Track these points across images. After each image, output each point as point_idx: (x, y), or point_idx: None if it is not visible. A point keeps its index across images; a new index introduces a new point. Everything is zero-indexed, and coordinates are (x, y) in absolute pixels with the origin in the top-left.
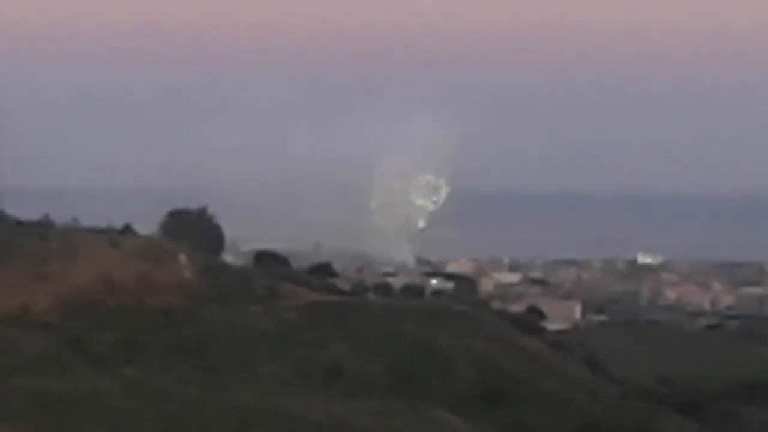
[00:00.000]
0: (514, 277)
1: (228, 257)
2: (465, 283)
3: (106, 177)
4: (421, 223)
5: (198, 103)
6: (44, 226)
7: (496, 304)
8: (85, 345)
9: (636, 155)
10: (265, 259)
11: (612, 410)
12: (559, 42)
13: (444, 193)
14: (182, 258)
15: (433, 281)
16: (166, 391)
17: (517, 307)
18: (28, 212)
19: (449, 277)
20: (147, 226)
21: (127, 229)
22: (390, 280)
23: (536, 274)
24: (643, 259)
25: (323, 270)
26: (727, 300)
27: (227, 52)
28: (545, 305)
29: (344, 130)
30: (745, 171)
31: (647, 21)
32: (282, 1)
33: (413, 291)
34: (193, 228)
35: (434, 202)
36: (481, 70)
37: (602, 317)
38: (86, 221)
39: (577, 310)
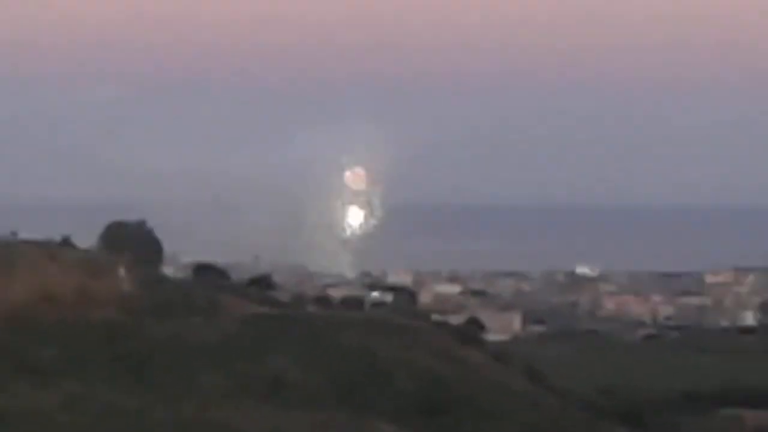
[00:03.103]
0: (453, 289)
1: (168, 270)
2: (405, 294)
3: (43, 190)
4: (356, 232)
5: (134, 118)
6: None
7: (435, 316)
8: (25, 359)
9: (573, 167)
10: (204, 271)
11: (553, 421)
12: (496, 59)
13: (383, 204)
14: (122, 270)
15: (374, 293)
16: (108, 404)
17: (456, 319)
18: None
19: (389, 288)
20: (85, 239)
21: (66, 242)
22: (330, 291)
23: (476, 286)
24: (582, 270)
25: (263, 282)
26: (667, 310)
27: (163, 69)
28: (485, 316)
29: (281, 143)
30: (682, 182)
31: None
32: (218, 20)
33: (353, 303)
34: (132, 240)
35: (373, 214)
36: (420, 85)
37: (542, 328)
38: (24, 234)
39: (517, 321)
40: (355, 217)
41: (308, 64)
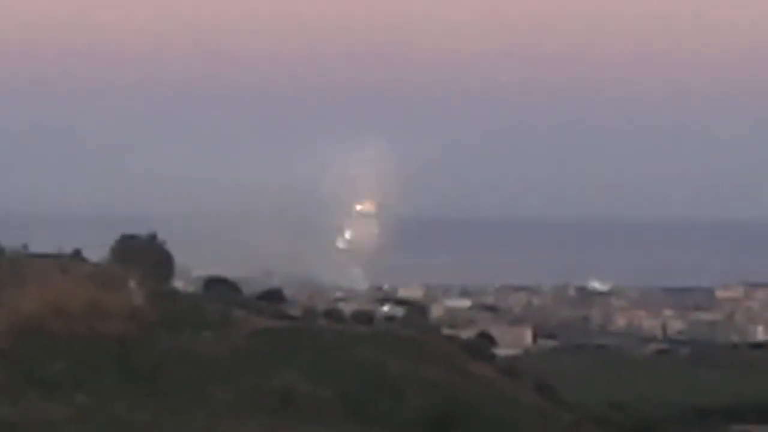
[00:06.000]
0: (464, 303)
1: (179, 283)
2: (416, 308)
3: (54, 203)
4: (367, 246)
5: (146, 130)
6: None
7: (446, 330)
8: (36, 372)
9: (586, 182)
10: (215, 285)
11: None
12: (516, 71)
13: (394, 218)
14: (132, 284)
15: (385, 307)
16: (118, 417)
17: (467, 333)
18: None
19: (400, 302)
20: (96, 252)
21: (77, 255)
22: (341, 305)
23: (487, 300)
24: (593, 284)
25: (274, 296)
26: (678, 325)
27: (177, 80)
28: (496, 331)
29: (293, 157)
30: (694, 197)
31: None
32: (231, 31)
33: (364, 317)
34: (143, 254)
35: (383, 228)
36: (431, 98)
37: (553, 342)
38: (35, 248)
39: (528, 336)
40: (365, 232)
41: (322, 79)
